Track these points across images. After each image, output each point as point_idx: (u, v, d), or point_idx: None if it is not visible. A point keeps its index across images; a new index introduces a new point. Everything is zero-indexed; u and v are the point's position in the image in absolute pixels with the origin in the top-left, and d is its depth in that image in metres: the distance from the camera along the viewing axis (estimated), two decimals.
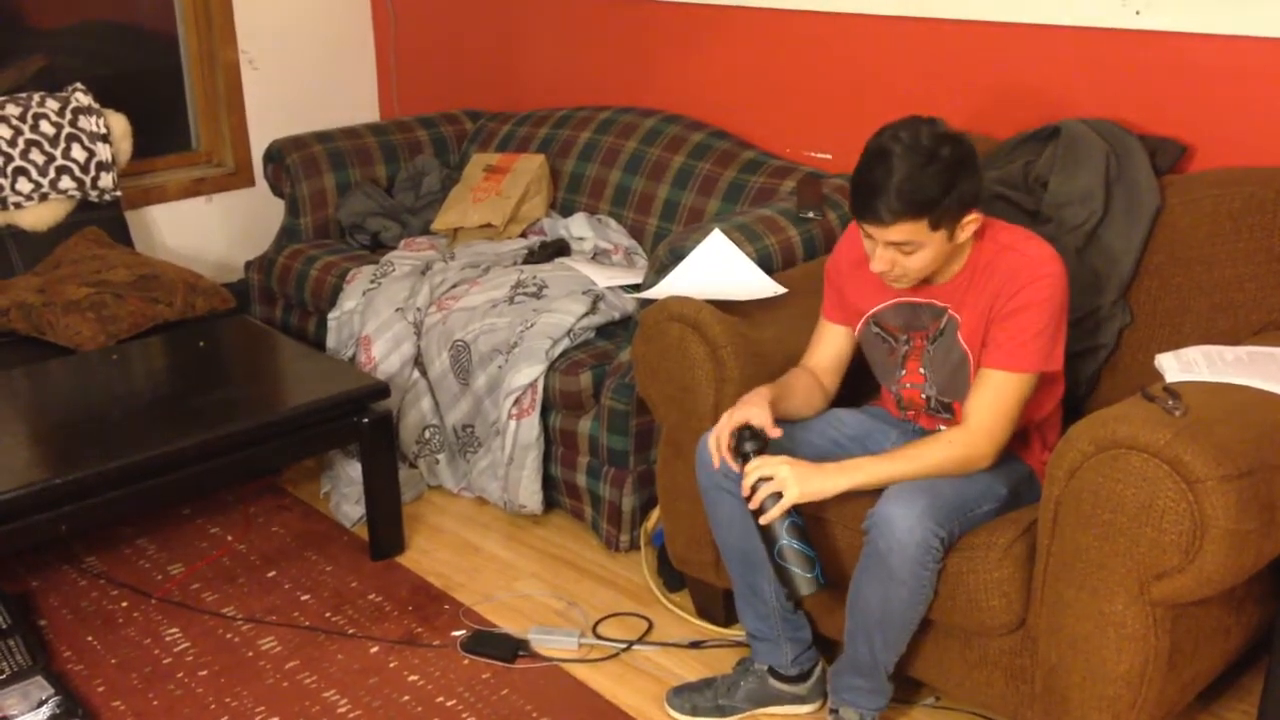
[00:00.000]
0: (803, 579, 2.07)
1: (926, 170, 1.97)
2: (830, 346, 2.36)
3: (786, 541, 2.07)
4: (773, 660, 2.35)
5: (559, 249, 3.40)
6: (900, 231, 2.02)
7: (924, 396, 2.23)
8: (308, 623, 2.69)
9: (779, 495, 2.05)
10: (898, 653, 2.14)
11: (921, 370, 2.22)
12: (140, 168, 3.98)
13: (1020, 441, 2.21)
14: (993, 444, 2.08)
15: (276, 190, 3.89)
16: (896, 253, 2.06)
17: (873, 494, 2.08)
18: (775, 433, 2.13)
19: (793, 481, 2.04)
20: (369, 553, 2.95)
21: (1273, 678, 2.10)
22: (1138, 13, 2.61)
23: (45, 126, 3.50)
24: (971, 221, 2.06)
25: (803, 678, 2.36)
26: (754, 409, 2.14)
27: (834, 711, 2.25)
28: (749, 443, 2.11)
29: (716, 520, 2.29)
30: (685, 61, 3.58)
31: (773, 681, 2.35)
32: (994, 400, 2.08)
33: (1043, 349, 2.07)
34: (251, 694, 2.46)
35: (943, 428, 2.22)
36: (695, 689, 2.39)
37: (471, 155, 3.89)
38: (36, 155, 3.48)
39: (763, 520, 2.07)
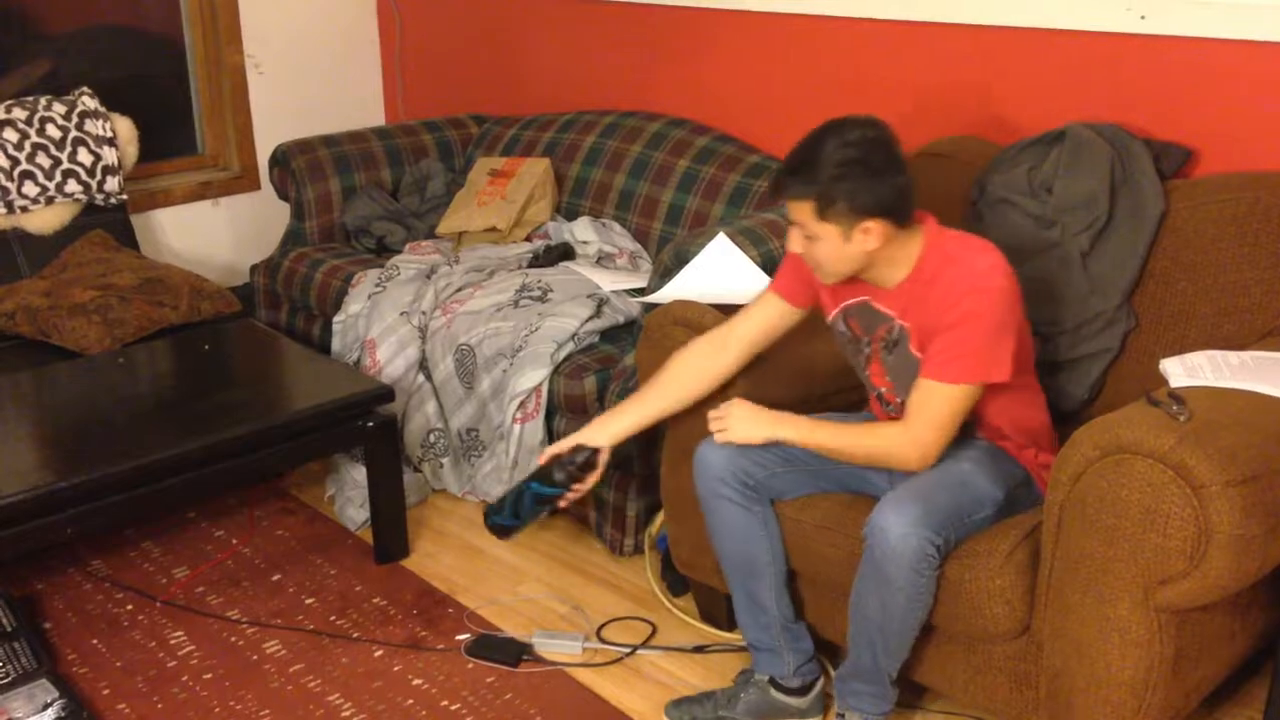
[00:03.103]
0: (505, 508, 2.29)
1: (827, 155, 1.99)
2: (758, 316, 2.30)
3: (536, 487, 2.27)
4: (774, 670, 2.33)
5: (563, 253, 3.40)
6: (795, 210, 2.05)
7: (898, 400, 2.21)
8: (312, 626, 2.69)
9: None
10: (900, 658, 2.14)
11: (886, 376, 2.21)
12: (146, 171, 3.99)
13: (1017, 445, 2.20)
14: (920, 451, 2.07)
15: (282, 194, 3.90)
16: (802, 236, 2.08)
17: (872, 501, 2.09)
18: (603, 454, 2.30)
19: (735, 427, 2.19)
20: (373, 556, 2.96)
21: (1278, 683, 2.10)
22: (1142, 17, 2.61)
23: (52, 130, 3.51)
24: (867, 230, 2.01)
25: (804, 690, 2.33)
26: (584, 432, 2.32)
27: (840, 716, 2.24)
28: (579, 456, 2.28)
29: (715, 528, 2.29)
30: (690, 66, 3.58)
31: (774, 693, 2.33)
32: (925, 409, 2.07)
33: (980, 363, 2.04)
34: (256, 697, 2.46)
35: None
36: (695, 701, 2.38)
37: (476, 159, 3.89)
38: (43, 159, 3.49)
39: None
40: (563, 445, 2.32)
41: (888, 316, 2.15)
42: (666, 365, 2.36)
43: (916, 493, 2.03)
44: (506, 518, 2.30)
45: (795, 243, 2.12)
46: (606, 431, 2.32)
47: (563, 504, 2.32)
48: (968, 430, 2.15)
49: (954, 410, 2.06)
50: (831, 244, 2.05)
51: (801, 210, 2.04)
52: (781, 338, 2.33)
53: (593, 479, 2.32)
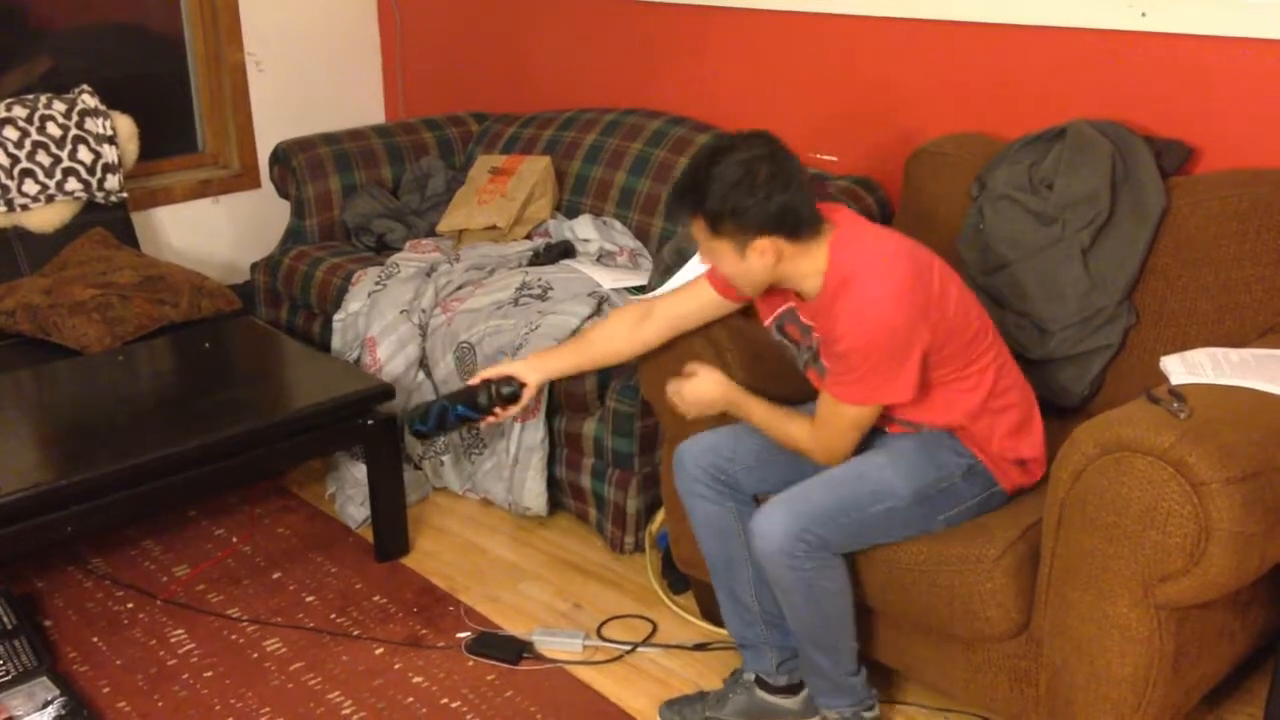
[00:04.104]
0: (429, 419, 2.37)
1: (713, 176, 2.01)
2: (687, 299, 2.37)
3: (461, 410, 2.38)
4: (758, 666, 2.32)
5: (564, 251, 3.40)
6: (694, 229, 2.10)
7: None
8: (312, 624, 2.70)
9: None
10: (838, 652, 2.15)
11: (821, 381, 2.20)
12: (146, 169, 3.99)
13: (976, 430, 2.15)
14: (825, 455, 2.14)
15: (282, 192, 3.90)
16: (707, 253, 2.13)
17: None
18: (529, 390, 2.40)
19: (689, 397, 2.29)
20: (374, 554, 2.96)
21: (1278, 681, 2.10)
22: (1144, 15, 2.60)
23: (52, 128, 3.51)
24: (759, 249, 2.03)
25: (792, 690, 2.31)
26: (519, 364, 2.42)
27: (822, 718, 2.26)
28: (506, 388, 2.39)
29: (695, 525, 2.31)
30: (691, 63, 3.58)
31: (760, 693, 2.31)
32: (825, 419, 2.13)
33: (869, 389, 2.05)
34: (256, 695, 2.46)
35: (887, 430, 2.21)
36: (687, 702, 2.38)
37: (477, 157, 3.89)
38: (43, 157, 3.49)
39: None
40: (494, 372, 2.42)
41: (809, 326, 2.17)
42: (595, 325, 2.53)
43: (791, 494, 2.08)
44: (430, 428, 2.40)
45: (705, 259, 2.18)
46: (539, 370, 2.43)
47: (482, 425, 2.48)
48: (916, 429, 2.18)
49: (850, 424, 2.10)
50: (728, 260, 2.09)
51: (697, 228, 2.09)
52: (713, 322, 2.38)
53: (513, 410, 2.42)
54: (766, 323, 2.28)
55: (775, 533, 2.03)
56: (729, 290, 2.29)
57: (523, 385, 2.40)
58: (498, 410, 2.40)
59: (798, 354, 2.25)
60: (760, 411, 2.23)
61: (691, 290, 2.38)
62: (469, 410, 2.39)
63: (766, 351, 2.38)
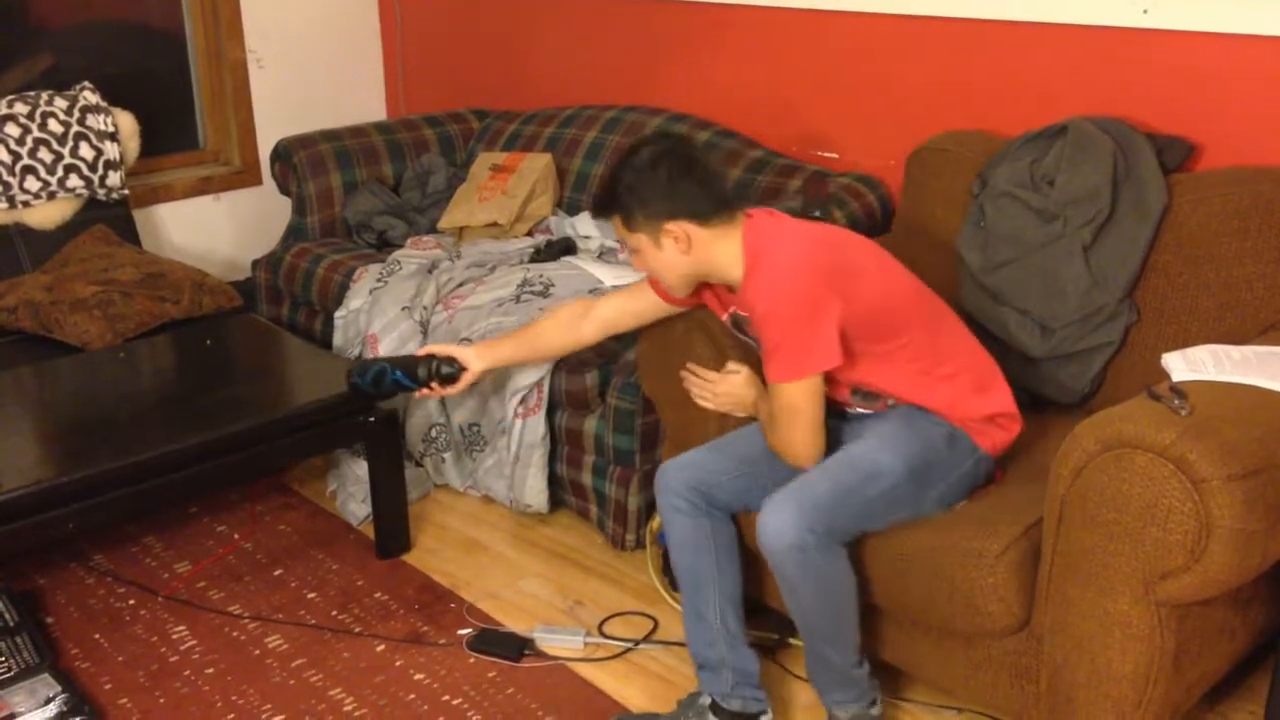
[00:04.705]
0: (368, 376, 2.55)
1: (622, 174, 2.17)
2: (626, 301, 2.48)
3: (400, 376, 2.53)
4: (714, 689, 2.26)
5: (565, 248, 3.40)
6: (615, 230, 2.23)
7: None
8: (314, 621, 2.70)
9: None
10: (845, 646, 2.15)
11: None
12: (148, 166, 4.00)
13: (936, 398, 2.19)
14: (790, 451, 2.15)
15: (283, 189, 3.90)
16: (633, 253, 2.25)
17: None
18: (469, 375, 2.55)
19: (721, 401, 2.35)
20: (375, 551, 2.96)
21: (1279, 679, 2.10)
22: (1145, 11, 2.60)
23: (53, 125, 3.51)
24: (671, 234, 2.14)
25: (746, 718, 2.25)
26: (467, 350, 2.57)
27: (831, 716, 2.25)
28: (446, 368, 2.53)
29: (670, 541, 2.31)
30: (692, 60, 3.57)
31: (714, 718, 2.26)
32: (776, 412, 2.15)
33: (792, 356, 2.08)
34: (258, 692, 2.47)
35: (860, 410, 2.26)
36: None
37: (478, 154, 3.89)
38: (44, 154, 3.49)
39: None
40: (442, 350, 2.58)
41: (747, 318, 2.21)
42: (542, 318, 2.65)
43: (794, 486, 2.09)
44: (366, 383, 2.56)
45: (633, 261, 2.29)
46: (483, 358, 2.59)
47: (415, 396, 2.63)
48: (882, 402, 2.22)
49: (794, 405, 2.11)
50: (649, 253, 2.20)
51: (617, 227, 2.22)
52: (652, 323, 2.48)
53: (449, 391, 2.57)
54: (724, 320, 2.35)
55: (784, 527, 2.02)
56: (668, 295, 2.37)
57: (463, 369, 2.54)
58: (434, 385, 2.54)
59: (757, 350, 2.28)
60: (766, 411, 2.24)
61: (632, 292, 2.48)
62: (406, 379, 2.53)
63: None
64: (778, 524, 2.04)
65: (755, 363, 2.36)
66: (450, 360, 2.54)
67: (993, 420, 2.22)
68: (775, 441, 2.19)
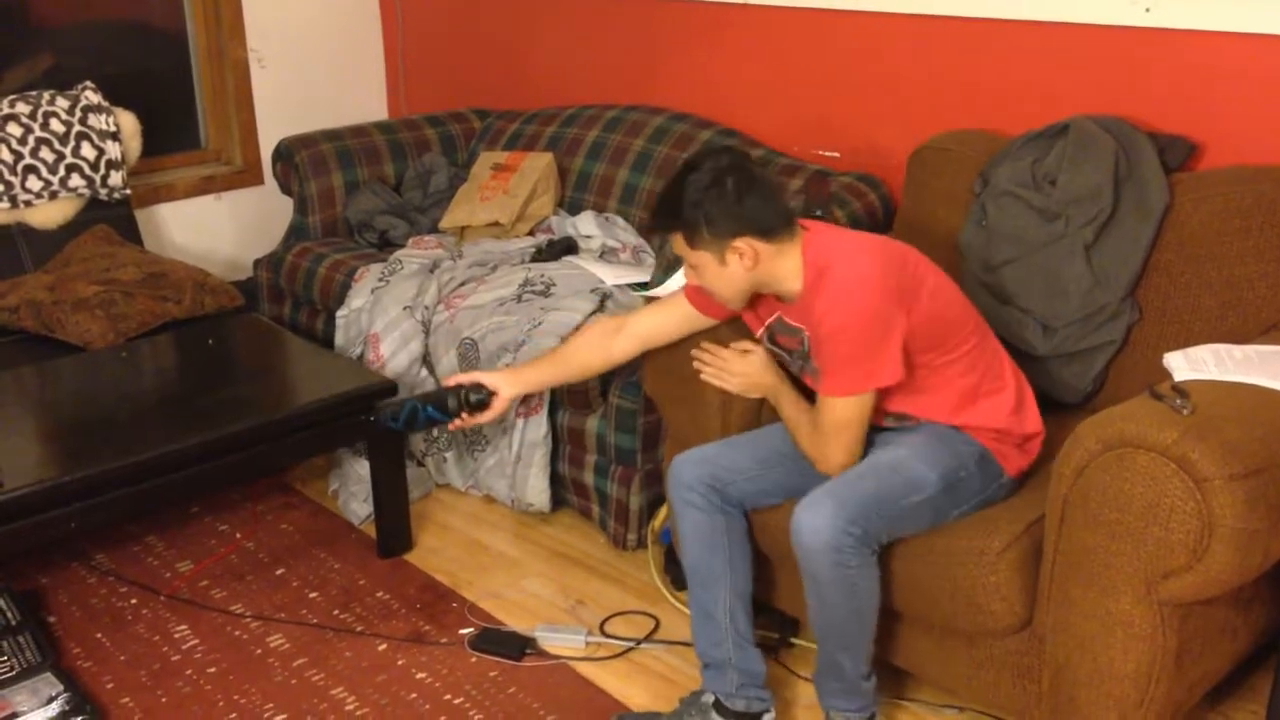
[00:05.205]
0: (400, 417, 2.45)
1: (686, 190, 2.11)
2: (662, 315, 2.44)
3: (431, 411, 2.45)
4: (718, 688, 2.26)
5: (566, 247, 3.40)
6: (675, 245, 2.19)
7: None
8: (316, 620, 2.70)
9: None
10: (860, 653, 2.13)
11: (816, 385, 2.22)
12: (149, 166, 3.99)
13: (978, 415, 2.18)
14: (826, 462, 2.15)
15: (285, 188, 3.90)
16: (691, 268, 2.21)
17: None
18: (499, 401, 2.47)
19: (734, 380, 2.32)
20: (377, 550, 2.96)
21: None
22: (1147, 10, 2.60)
23: (55, 124, 3.51)
24: (738, 251, 2.11)
25: (750, 718, 2.26)
26: (496, 375, 2.49)
27: (827, 717, 2.24)
28: (475, 395, 2.46)
29: (683, 536, 2.29)
30: (693, 59, 3.57)
31: (717, 717, 2.25)
32: (823, 423, 2.15)
33: (857, 374, 2.08)
34: (260, 691, 2.47)
35: (891, 426, 2.24)
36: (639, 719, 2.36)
37: (479, 153, 3.89)
38: (46, 153, 3.49)
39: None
40: (467, 378, 2.50)
41: (798, 329, 2.20)
42: (572, 338, 2.59)
43: (832, 486, 2.08)
44: (401, 425, 2.49)
45: (689, 276, 2.25)
46: (512, 383, 2.51)
47: (450, 429, 2.56)
48: (916, 421, 2.20)
49: (847, 420, 2.11)
50: (711, 270, 2.17)
51: (678, 244, 2.18)
52: (689, 337, 2.42)
53: (481, 419, 2.49)
54: (759, 335, 2.32)
55: (822, 526, 2.00)
56: (709, 307, 2.35)
57: (493, 394, 2.46)
58: (464, 415, 2.46)
59: (791, 361, 2.28)
60: (790, 405, 2.25)
61: (668, 305, 2.44)
62: (438, 413, 2.46)
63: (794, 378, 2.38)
64: (815, 522, 2.01)
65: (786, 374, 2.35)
66: (478, 387, 2.46)
67: (1024, 445, 2.21)
68: (812, 450, 2.17)
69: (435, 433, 3.21)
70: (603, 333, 2.48)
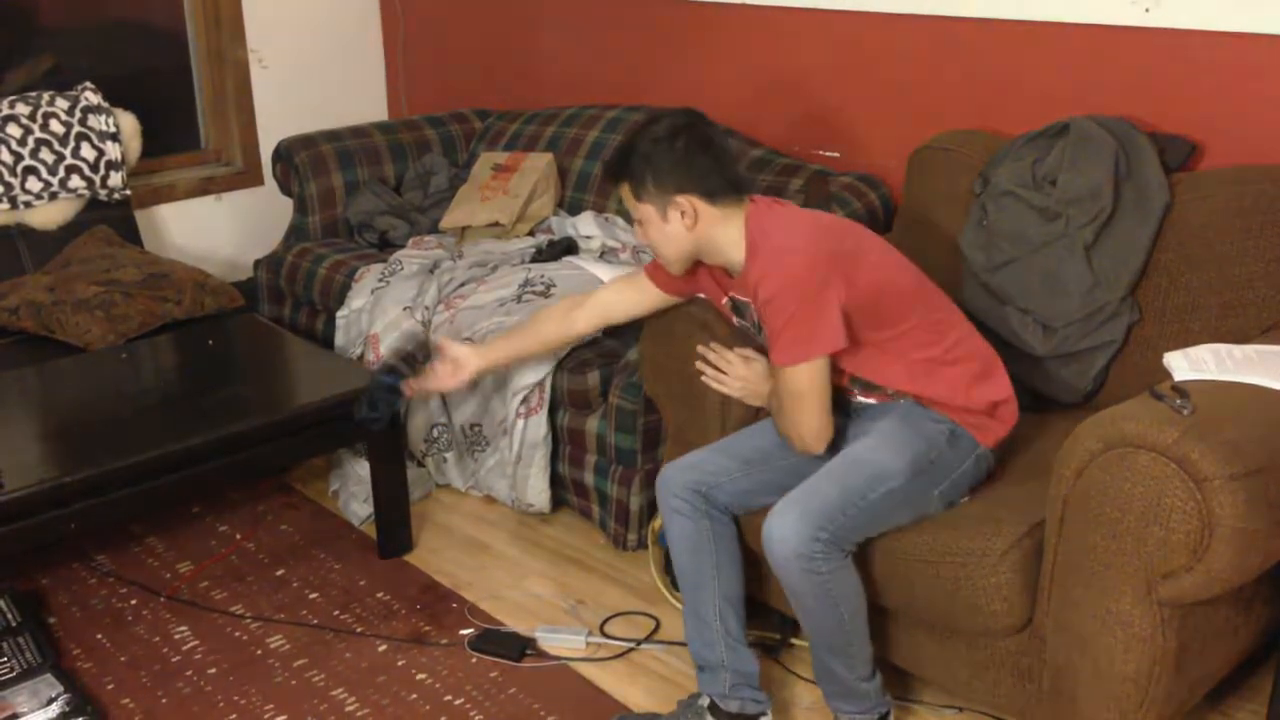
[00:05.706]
0: (363, 405, 2.58)
1: (638, 143, 2.17)
2: (620, 291, 2.51)
3: (383, 378, 2.56)
4: (712, 690, 2.25)
5: (567, 247, 3.40)
6: (624, 198, 2.24)
7: None
8: (316, 621, 2.70)
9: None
10: (853, 657, 2.13)
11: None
12: (149, 167, 3.99)
13: (940, 386, 2.18)
14: (797, 434, 2.16)
15: (285, 189, 3.90)
16: (637, 224, 2.25)
17: None
18: (469, 365, 2.61)
19: (736, 386, 2.35)
20: (377, 551, 2.96)
21: None
22: (1147, 10, 2.60)
23: (55, 125, 3.51)
24: (679, 207, 2.15)
25: (745, 719, 2.25)
26: (456, 346, 2.63)
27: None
28: (419, 351, 2.60)
29: (671, 542, 2.30)
30: (693, 59, 3.57)
31: (712, 719, 2.25)
32: (779, 393, 2.16)
33: (797, 339, 2.09)
34: (260, 692, 2.47)
35: (862, 399, 2.25)
36: None
37: (479, 154, 3.89)
38: (46, 154, 3.49)
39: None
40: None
41: (746, 303, 2.23)
42: (531, 316, 2.71)
43: (797, 495, 2.08)
44: (372, 411, 2.58)
45: (637, 233, 2.29)
46: (480, 355, 2.65)
47: (409, 393, 2.61)
48: (883, 393, 2.22)
49: (800, 390, 2.12)
50: (654, 225, 2.20)
51: (625, 195, 2.23)
52: (648, 314, 2.49)
53: (441, 383, 2.63)
54: (721, 305, 2.35)
55: (789, 535, 2.01)
56: (667, 283, 2.39)
57: (434, 346, 2.61)
58: (416, 367, 2.58)
59: (757, 336, 2.30)
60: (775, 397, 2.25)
61: (628, 281, 2.51)
62: (389, 376, 2.57)
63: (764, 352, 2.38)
64: (782, 532, 2.03)
65: (755, 349, 2.36)
66: (420, 345, 2.60)
67: (994, 412, 2.22)
68: (784, 426, 2.19)
69: (435, 433, 3.21)
70: (565, 307, 2.59)
